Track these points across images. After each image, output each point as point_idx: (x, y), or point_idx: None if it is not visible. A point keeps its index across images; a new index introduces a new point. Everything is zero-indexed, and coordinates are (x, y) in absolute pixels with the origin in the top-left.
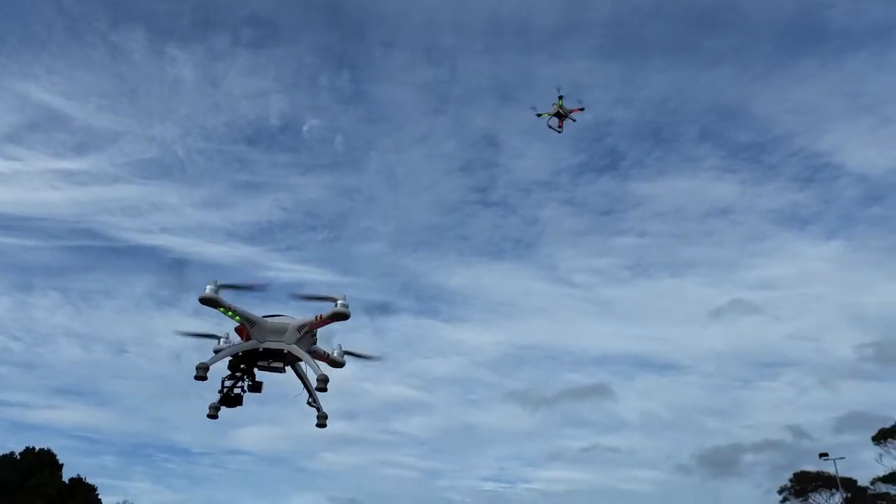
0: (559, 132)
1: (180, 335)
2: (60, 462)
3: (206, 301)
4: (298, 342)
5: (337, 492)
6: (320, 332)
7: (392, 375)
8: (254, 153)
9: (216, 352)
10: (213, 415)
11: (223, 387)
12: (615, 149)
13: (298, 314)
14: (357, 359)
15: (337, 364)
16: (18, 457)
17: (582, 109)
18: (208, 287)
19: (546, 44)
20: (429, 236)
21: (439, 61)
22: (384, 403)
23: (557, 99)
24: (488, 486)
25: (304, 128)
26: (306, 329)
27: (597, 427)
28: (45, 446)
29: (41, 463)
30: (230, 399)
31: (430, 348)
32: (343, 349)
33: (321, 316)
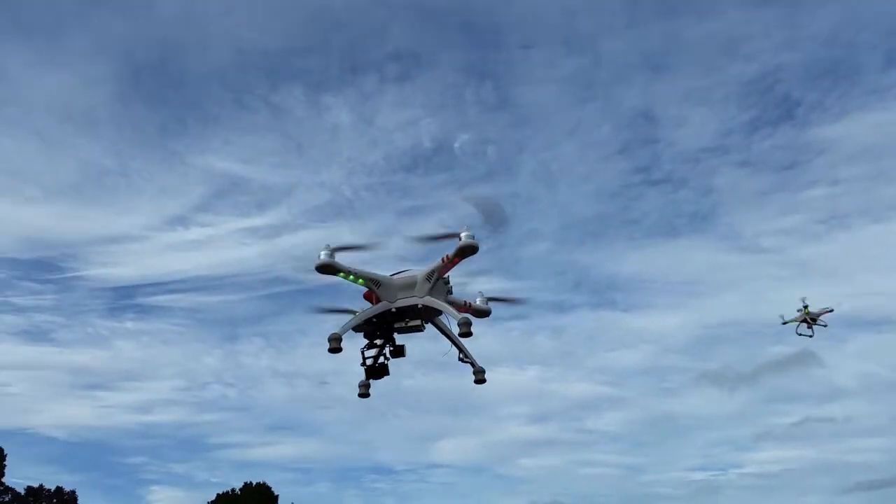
0: (810, 336)
1: (315, 311)
2: (276, 493)
3: (322, 268)
4: (431, 292)
5: (538, 496)
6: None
7: (577, 373)
8: (413, 179)
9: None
10: (364, 393)
11: (364, 359)
12: (788, 96)
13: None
14: (502, 304)
15: (482, 312)
16: (238, 492)
17: (831, 311)
18: (322, 253)
19: (691, 4)
20: (595, 227)
21: (580, 49)
22: (573, 403)
23: (803, 307)
24: (697, 475)
25: (456, 145)
26: (436, 275)
27: (806, 399)
28: (261, 480)
29: (259, 496)
30: (375, 370)
31: (614, 340)
32: (485, 295)
33: (447, 256)
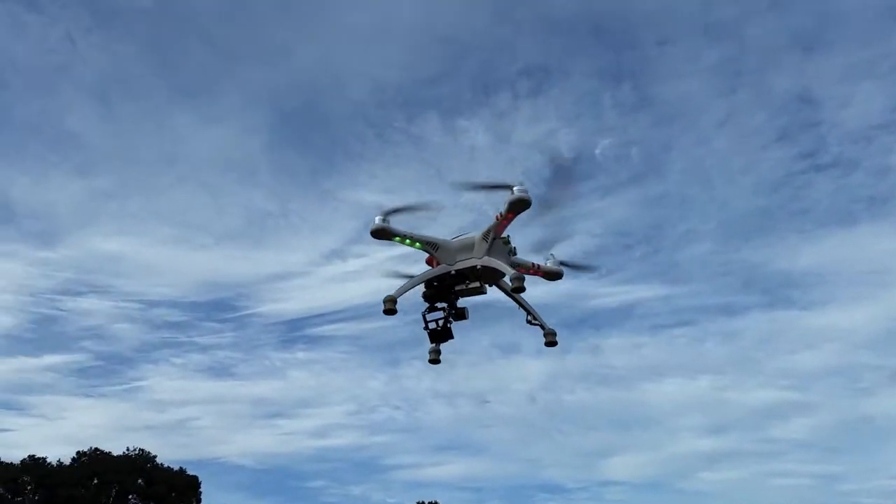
0: None
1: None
2: None
3: (377, 233)
4: (490, 252)
5: None
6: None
7: (756, 379)
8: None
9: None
10: (434, 359)
11: (426, 323)
12: None
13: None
14: (574, 270)
15: (553, 274)
16: None
17: None
18: (377, 218)
19: None
20: (760, 221)
21: (722, 37)
22: (754, 411)
23: None
24: None
25: (597, 151)
26: (492, 235)
27: None
28: (434, 500)
29: None
30: (439, 334)
31: (794, 341)
32: (557, 259)
33: (500, 213)
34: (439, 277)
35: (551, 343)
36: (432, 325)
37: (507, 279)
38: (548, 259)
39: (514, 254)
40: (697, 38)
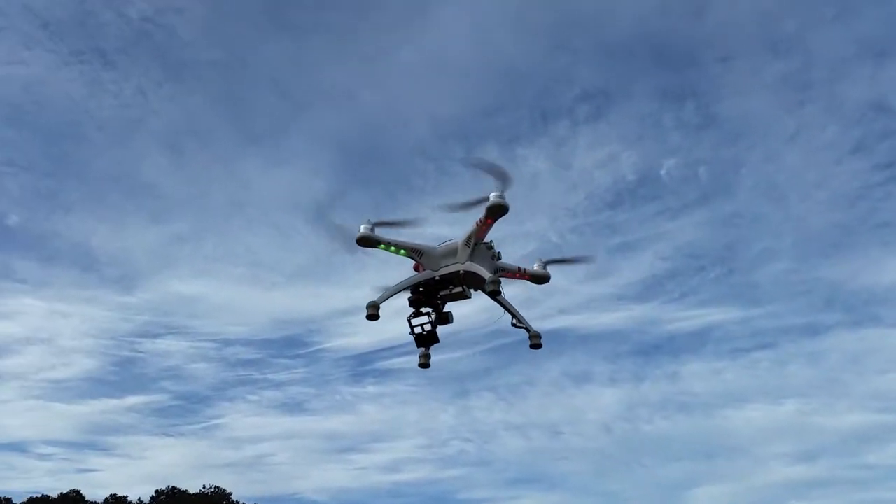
0: None
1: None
2: None
3: (362, 241)
4: (473, 258)
5: None
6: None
7: (845, 402)
8: (620, 215)
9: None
10: (424, 363)
11: (412, 328)
12: None
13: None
14: (564, 266)
15: (539, 278)
16: None
17: None
18: (362, 227)
19: None
20: (839, 236)
21: (787, 51)
22: (846, 435)
23: None
24: None
25: (662, 172)
26: (473, 240)
27: None
28: None
29: None
30: (425, 338)
31: (886, 361)
32: (544, 259)
33: (480, 219)
34: (424, 283)
35: (536, 346)
36: (418, 330)
37: (486, 278)
38: (535, 262)
39: (499, 258)
40: (760, 54)
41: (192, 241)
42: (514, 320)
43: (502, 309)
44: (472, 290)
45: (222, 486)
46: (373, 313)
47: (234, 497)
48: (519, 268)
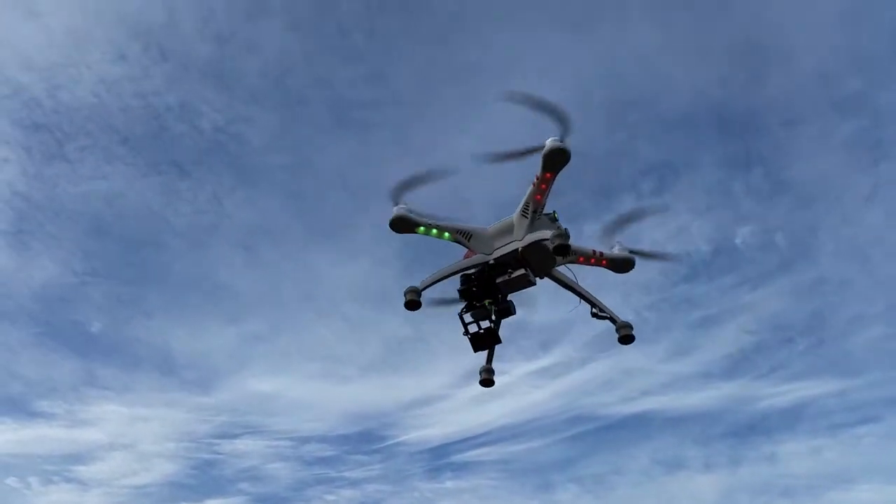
0: None
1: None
2: None
3: (397, 224)
4: (532, 229)
5: None
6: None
7: None
8: (697, 288)
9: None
10: (487, 379)
11: (465, 326)
12: None
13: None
14: (646, 258)
15: (621, 263)
16: None
17: None
18: (395, 208)
19: None
20: None
21: (854, 110)
22: None
23: None
24: None
25: (737, 241)
26: (531, 206)
27: None
28: None
29: None
30: (481, 339)
31: None
32: (626, 245)
33: (537, 175)
34: (476, 270)
35: (627, 338)
36: (473, 329)
37: (546, 236)
38: (615, 246)
39: (567, 236)
40: (827, 115)
41: (266, 339)
42: (595, 309)
43: (578, 297)
44: (536, 276)
45: None
46: (412, 299)
47: None
48: (594, 251)
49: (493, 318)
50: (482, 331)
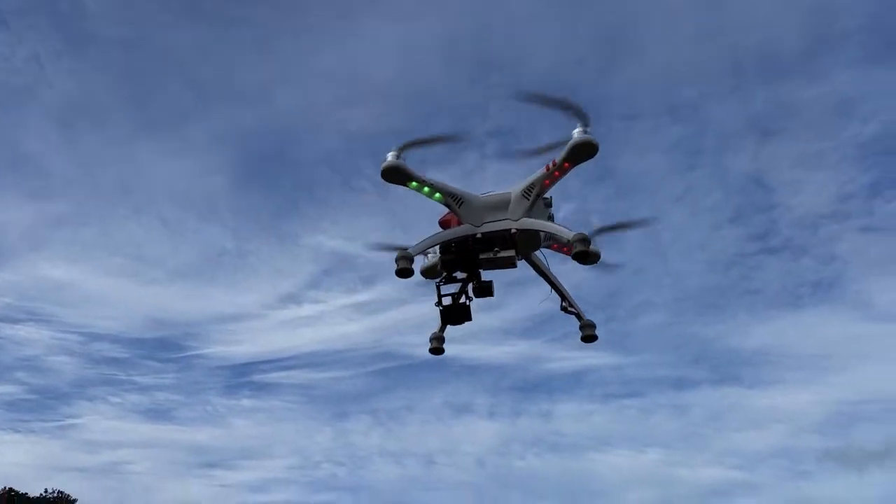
0: None
1: (369, 250)
2: None
3: (390, 173)
4: (530, 213)
5: None
6: None
7: (704, 456)
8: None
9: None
10: (436, 348)
11: (440, 297)
12: None
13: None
14: (613, 233)
15: (587, 257)
16: None
17: None
18: (390, 154)
19: (798, 66)
20: (713, 298)
21: (684, 117)
22: (704, 489)
23: None
24: None
25: (559, 214)
26: (536, 189)
27: None
28: None
29: None
30: (454, 313)
31: (743, 420)
32: (592, 231)
33: (553, 162)
34: (460, 241)
35: (589, 338)
36: (447, 302)
37: (565, 234)
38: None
39: (552, 219)
40: (661, 116)
41: (71, 224)
42: (565, 303)
43: (549, 287)
44: (519, 258)
45: (67, 491)
46: (405, 267)
47: None
48: (567, 239)
49: (470, 294)
50: (456, 306)
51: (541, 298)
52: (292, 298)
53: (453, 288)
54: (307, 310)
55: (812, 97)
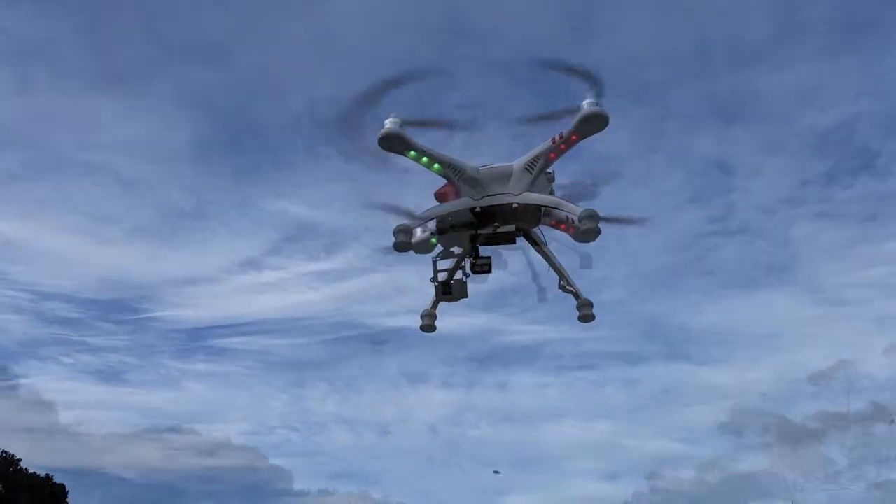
0: None
1: (366, 209)
2: None
3: (387, 140)
4: (533, 187)
5: None
6: None
7: (650, 428)
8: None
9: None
10: (428, 325)
11: (436, 272)
12: (867, 146)
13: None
14: (616, 224)
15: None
16: None
17: None
18: (389, 121)
19: (762, 54)
20: (668, 276)
21: (649, 99)
22: (649, 460)
23: None
24: None
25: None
26: (540, 163)
27: None
28: None
29: None
30: (450, 289)
31: (689, 395)
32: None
33: (560, 134)
34: (458, 214)
35: (586, 317)
36: (443, 277)
37: (574, 212)
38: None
39: (554, 194)
40: (626, 97)
41: (21, 179)
42: (563, 282)
43: (548, 266)
44: (519, 234)
45: (12, 451)
46: (403, 241)
47: (22, 465)
48: (568, 217)
49: (467, 271)
50: (452, 281)
51: (533, 276)
52: (252, 264)
53: (448, 263)
54: (267, 276)
55: (774, 85)
